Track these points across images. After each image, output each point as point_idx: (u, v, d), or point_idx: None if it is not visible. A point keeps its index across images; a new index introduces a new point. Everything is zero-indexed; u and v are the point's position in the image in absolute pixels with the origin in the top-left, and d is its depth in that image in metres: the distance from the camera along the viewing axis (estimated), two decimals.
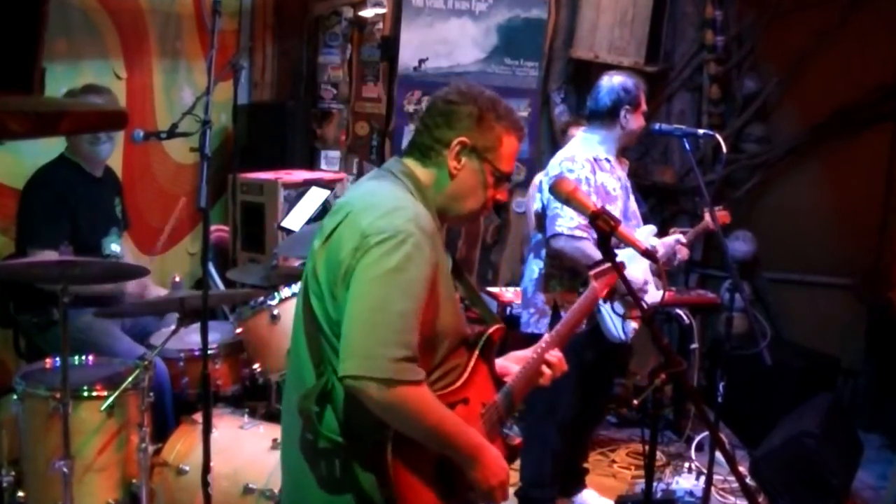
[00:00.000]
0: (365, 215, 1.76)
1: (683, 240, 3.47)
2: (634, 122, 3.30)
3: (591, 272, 2.17)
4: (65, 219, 3.28)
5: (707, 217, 3.51)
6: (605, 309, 3.17)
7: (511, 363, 2.10)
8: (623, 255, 2.63)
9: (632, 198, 3.46)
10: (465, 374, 1.90)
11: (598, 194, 3.19)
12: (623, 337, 3.28)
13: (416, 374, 1.71)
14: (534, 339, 3.48)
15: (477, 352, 1.95)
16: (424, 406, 1.74)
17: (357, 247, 1.73)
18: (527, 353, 2.10)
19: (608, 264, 2.10)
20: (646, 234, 3.41)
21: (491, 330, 1.99)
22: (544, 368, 2.06)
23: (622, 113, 3.27)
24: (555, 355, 2.07)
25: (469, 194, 1.90)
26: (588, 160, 3.22)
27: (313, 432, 1.79)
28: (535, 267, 3.40)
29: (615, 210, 3.24)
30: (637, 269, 3.23)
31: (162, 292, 3.59)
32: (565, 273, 3.30)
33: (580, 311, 2.18)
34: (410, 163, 1.90)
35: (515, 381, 2.03)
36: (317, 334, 1.80)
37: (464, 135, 1.86)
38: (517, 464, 4.14)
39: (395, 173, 1.88)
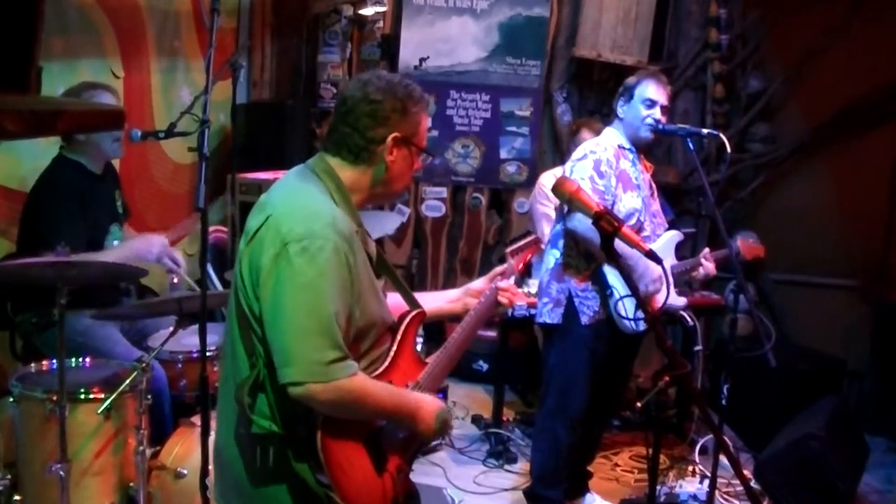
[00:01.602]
0: (285, 220, 1.85)
1: (710, 255, 3.56)
2: (629, 113, 3.41)
3: (508, 249, 2.34)
4: (80, 219, 3.24)
5: (739, 243, 3.65)
6: (618, 299, 3.21)
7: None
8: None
9: (657, 199, 3.56)
10: (389, 359, 2.02)
11: (620, 179, 3.32)
12: (635, 328, 3.29)
13: (350, 368, 1.84)
14: (547, 328, 3.49)
15: (399, 337, 2.06)
16: (364, 393, 1.87)
17: (278, 253, 1.82)
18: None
19: (527, 240, 2.34)
20: (668, 239, 3.48)
21: (411, 315, 2.12)
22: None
23: (618, 104, 3.45)
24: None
25: (401, 177, 2.04)
26: (613, 146, 3.38)
27: (247, 421, 1.88)
28: (551, 257, 3.45)
29: (636, 198, 3.35)
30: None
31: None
32: (581, 261, 3.35)
33: (485, 307, 2.27)
34: (336, 163, 1.98)
35: (438, 359, 2.15)
36: (248, 328, 1.90)
37: (394, 130, 1.96)
38: (519, 466, 4.13)
39: (319, 173, 1.97)
